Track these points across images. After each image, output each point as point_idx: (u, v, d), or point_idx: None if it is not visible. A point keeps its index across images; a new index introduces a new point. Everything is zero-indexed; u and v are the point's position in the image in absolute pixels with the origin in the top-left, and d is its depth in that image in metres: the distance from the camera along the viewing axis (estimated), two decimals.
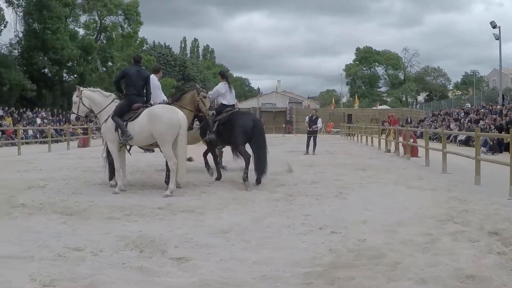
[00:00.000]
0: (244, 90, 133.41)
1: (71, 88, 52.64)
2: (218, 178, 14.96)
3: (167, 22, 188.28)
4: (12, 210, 10.25)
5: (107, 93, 13.95)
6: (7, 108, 49.47)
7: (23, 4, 59.71)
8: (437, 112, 63.52)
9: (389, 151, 29.29)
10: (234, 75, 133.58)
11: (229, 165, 16.89)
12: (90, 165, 19.75)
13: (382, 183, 14.44)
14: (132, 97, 12.97)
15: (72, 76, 69.27)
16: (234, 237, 8.06)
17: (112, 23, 73.82)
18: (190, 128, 14.21)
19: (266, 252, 7.16)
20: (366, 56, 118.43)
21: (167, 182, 13.23)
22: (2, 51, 60.44)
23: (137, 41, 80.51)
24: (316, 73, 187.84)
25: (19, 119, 48.44)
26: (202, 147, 16.33)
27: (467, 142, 33.61)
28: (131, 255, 7.00)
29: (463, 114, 49.56)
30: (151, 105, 13.10)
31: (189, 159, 17.30)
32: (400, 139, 26.33)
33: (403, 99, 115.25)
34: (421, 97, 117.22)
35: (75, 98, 13.67)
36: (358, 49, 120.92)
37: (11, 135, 38.95)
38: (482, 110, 44.92)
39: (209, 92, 14.62)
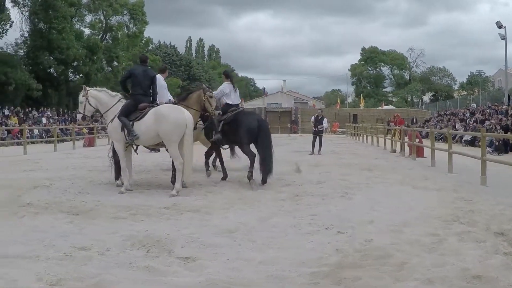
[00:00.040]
0: (249, 90, 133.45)
1: (77, 88, 52.84)
2: (224, 178, 14.96)
3: (173, 22, 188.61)
4: (18, 210, 10.28)
5: (113, 93, 13.97)
6: (13, 107, 49.67)
7: (29, 4, 59.81)
8: (442, 112, 63.35)
9: (394, 151, 29.22)
10: (240, 75, 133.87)
11: (229, 166, 16.82)
12: (96, 165, 19.78)
13: (388, 183, 14.41)
14: (138, 97, 12.99)
15: (77, 76, 69.43)
16: (241, 237, 8.06)
17: (117, 23, 73.95)
18: (194, 128, 14.21)
19: (272, 252, 7.15)
20: (371, 56, 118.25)
21: (173, 181, 13.22)
22: (8, 51, 60.55)
23: (143, 41, 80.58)
24: (321, 73, 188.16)
25: (24, 118, 48.60)
26: (200, 146, 16.37)
27: (472, 143, 33.55)
28: (137, 255, 7.01)
29: (468, 114, 49.45)
30: (157, 104, 13.12)
31: None
32: (406, 139, 26.28)
33: (409, 99, 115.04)
34: (426, 97, 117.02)
35: (81, 97, 13.70)
36: (363, 49, 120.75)
37: (17, 134, 39.13)
38: (488, 111, 44.83)
39: (213, 92, 14.62)
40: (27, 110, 51.73)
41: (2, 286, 5.78)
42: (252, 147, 14.08)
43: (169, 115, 12.39)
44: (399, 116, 36.36)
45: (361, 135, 48.01)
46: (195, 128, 14.44)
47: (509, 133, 28.10)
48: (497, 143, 27.93)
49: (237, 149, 15.29)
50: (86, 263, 6.63)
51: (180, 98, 14.74)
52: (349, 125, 65.34)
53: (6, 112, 47.82)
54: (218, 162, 16.41)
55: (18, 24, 63.30)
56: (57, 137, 36.45)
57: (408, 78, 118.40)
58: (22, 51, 62.99)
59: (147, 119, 12.58)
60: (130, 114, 12.86)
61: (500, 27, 51.05)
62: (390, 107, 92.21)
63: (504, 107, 43.04)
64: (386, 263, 6.53)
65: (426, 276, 6.04)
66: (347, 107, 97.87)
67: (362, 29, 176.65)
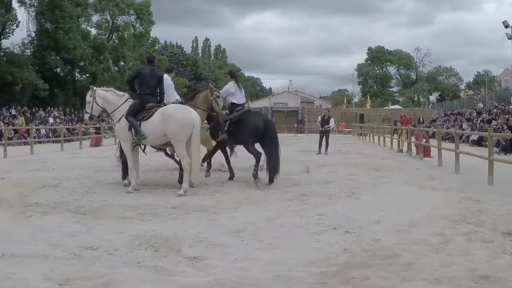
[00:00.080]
0: (256, 90, 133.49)
1: (83, 88, 53.14)
2: (231, 177, 14.98)
3: (179, 21, 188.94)
4: (26, 209, 10.30)
5: (121, 93, 13.98)
6: (19, 107, 49.80)
7: (36, 4, 59.91)
8: (449, 112, 63.28)
9: (401, 151, 29.21)
10: (246, 75, 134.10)
11: (236, 165, 16.78)
12: (103, 165, 19.81)
13: (395, 183, 14.40)
14: (145, 97, 13.00)
15: (84, 76, 69.59)
16: (248, 236, 8.06)
17: (124, 22, 74.08)
18: None
19: (280, 252, 7.15)
20: (378, 55, 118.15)
21: (180, 181, 13.24)
22: (15, 51, 60.71)
23: (149, 41, 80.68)
24: (327, 73, 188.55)
25: (31, 118, 48.72)
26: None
27: (479, 142, 33.49)
28: (145, 254, 7.02)
29: (475, 114, 49.36)
30: (165, 104, 13.13)
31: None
32: (413, 139, 26.25)
33: (415, 99, 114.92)
34: (433, 97, 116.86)
35: (88, 97, 13.71)
36: (370, 48, 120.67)
37: (24, 134, 39.23)
38: (495, 110, 44.75)
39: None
40: (34, 110, 51.84)
41: (10, 286, 5.80)
42: (259, 147, 14.10)
43: (176, 115, 12.40)
44: (406, 116, 36.27)
45: (368, 135, 47.99)
46: None
47: None
48: (504, 143, 27.87)
49: (236, 149, 15.33)
50: (94, 262, 6.64)
51: (187, 98, 14.74)
52: (355, 125, 65.26)
53: (13, 112, 47.95)
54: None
55: (25, 24, 63.59)
56: (64, 136, 36.52)
57: (415, 78, 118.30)
58: (28, 51, 63.15)
59: (155, 119, 12.60)
60: (137, 114, 12.88)
61: (506, 26, 51.07)
62: (396, 106, 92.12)
63: (511, 107, 42.97)
64: (394, 263, 6.53)
65: (434, 276, 6.04)
66: (353, 106, 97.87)
67: (369, 29, 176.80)
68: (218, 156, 15.90)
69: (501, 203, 10.84)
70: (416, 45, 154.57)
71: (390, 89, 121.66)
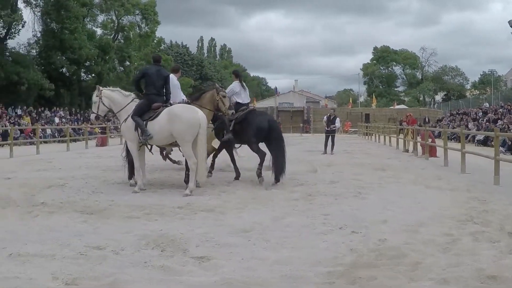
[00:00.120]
0: (261, 90, 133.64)
1: (89, 88, 53.29)
2: (237, 177, 14.99)
3: (184, 21, 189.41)
4: (32, 209, 10.33)
5: (127, 93, 13.98)
6: (25, 107, 49.92)
7: (41, 4, 60.01)
8: (455, 112, 63.18)
9: (407, 151, 29.16)
10: (251, 75, 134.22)
11: (242, 165, 16.75)
12: (109, 164, 19.84)
13: (401, 183, 14.38)
14: (151, 97, 13.01)
15: (90, 76, 69.72)
16: (255, 236, 8.06)
17: (129, 22, 74.18)
18: None
19: (286, 252, 7.15)
20: (383, 55, 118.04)
21: (186, 181, 13.26)
22: (21, 51, 60.83)
23: (155, 41, 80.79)
24: (333, 73, 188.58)
25: (37, 118, 48.86)
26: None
27: (485, 142, 33.43)
28: (152, 254, 7.03)
29: (481, 113, 49.27)
30: (171, 104, 13.14)
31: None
32: (418, 139, 26.20)
33: (421, 98, 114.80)
34: (438, 97, 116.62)
35: (95, 97, 13.71)
36: (375, 48, 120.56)
37: (30, 134, 39.32)
38: (501, 110, 44.66)
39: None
40: (39, 109, 51.98)
41: (18, 285, 5.81)
42: (264, 147, 14.11)
43: (182, 115, 12.41)
44: (412, 115, 36.08)
45: (373, 134, 47.96)
46: None
47: None
48: (510, 143, 27.80)
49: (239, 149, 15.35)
50: (101, 262, 6.65)
51: (193, 97, 14.74)
52: (361, 124, 65.17)
53: (19, 112, 48.06)
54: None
55: (31, 24, 63.60)
56: (70, 136, 36.56)
57: (420, 78, 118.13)
58: (34, 51, 63.28)
59: (161, 118, 12.61)
60: (143, 113, 12.89)
61: None
62: (402, 106, 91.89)
63: None
64: (401, 263, 6.52)
65: (441, 276, 6.03)
66: (359, 106, 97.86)
67: (374, 29, 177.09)
68: (223, 156, 15.89)
69: (507, 203, 10.82)
70: (422, 45, 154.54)
71: (395, 89, 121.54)
